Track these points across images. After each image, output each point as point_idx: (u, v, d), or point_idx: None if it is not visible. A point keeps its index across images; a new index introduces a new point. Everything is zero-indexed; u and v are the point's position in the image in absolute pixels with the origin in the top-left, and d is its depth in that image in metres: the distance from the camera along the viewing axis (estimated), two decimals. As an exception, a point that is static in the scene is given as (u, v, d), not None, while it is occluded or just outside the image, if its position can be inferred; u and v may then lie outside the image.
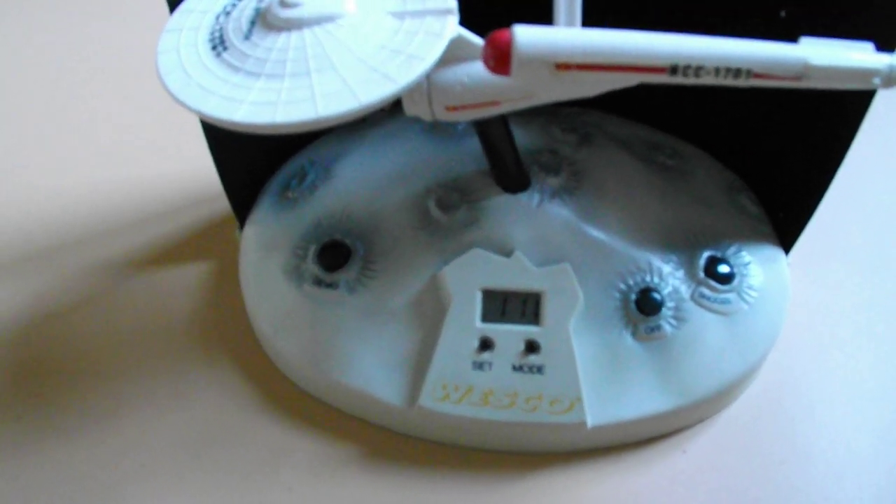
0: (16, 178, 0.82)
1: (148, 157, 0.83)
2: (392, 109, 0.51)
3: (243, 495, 0.58)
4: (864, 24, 0.48)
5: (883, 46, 0.44)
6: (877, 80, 0.43)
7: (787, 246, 0.65)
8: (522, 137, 0.63)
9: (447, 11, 0.48)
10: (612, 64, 0.43)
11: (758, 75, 0.43)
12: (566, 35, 0.44)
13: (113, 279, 0.71)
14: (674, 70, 0.43)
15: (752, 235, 0.64)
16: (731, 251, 0.62)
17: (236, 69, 0.46)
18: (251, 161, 0.68)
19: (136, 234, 0.75)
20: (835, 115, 0.57)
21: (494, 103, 0.50)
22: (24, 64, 0.96)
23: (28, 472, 0.59)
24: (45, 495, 0.58)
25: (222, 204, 0.70)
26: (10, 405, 0.63)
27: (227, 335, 0.67)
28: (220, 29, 0.49)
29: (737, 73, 0.43)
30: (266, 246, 0.64)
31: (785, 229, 0.65)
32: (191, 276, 0.71)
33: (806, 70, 0.43)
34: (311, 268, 0.61)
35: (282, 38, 0.47)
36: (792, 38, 0.44)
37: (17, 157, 0.84)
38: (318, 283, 0.60)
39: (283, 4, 0.47)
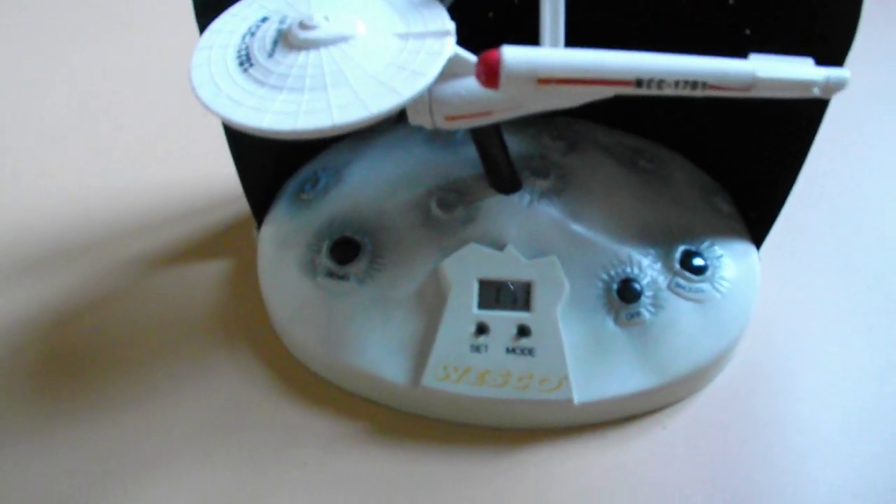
0: (55, 181, 0.84)
1: (174, 163, 0.85)
2: (396, 120, 0.55)
3: (262, 471, 0.60)
4: (805, 42, 0.52)
5: (821, 61, 0.50)
6: (816, 90, 0.49)
7: (758, 242, 0.68)
8: (515, 145, 0.66)
9: (446, 33, 0.53)
10: (586, 78, 0.48)
11: (712, 87, 0.48)
12: (547, 54, 0.49)
13: (140, 274, 0.73)
14: (639, 83, 0.48)
15: (726, 232, 0.67)
16: (705, 245, 0.65)
17: (261, 83, 0.51)
18: (269, 167, 0.72)
19: (162, 233, 0.77)
20: (796, 119, 0.60)
21: (488, 113, 0.55)
22: (59, 76, 0.97)
23: (62, 451, 0.61)
24: (78, 473, 0.60)
25: (240, 206, 0.73)
26: (45, 391, 0.65)
27: (246, 325, 0.69)
28: (247, 47, 0.53)
29: (693, 85, 0.47)
30: (282, 243, 0.67)
31: (756, 226, 0.68)
32: (212, 273, 0.74)
33: (754, 82, 0.48)
34: (325, 262, 0.64)
35: (301, 57, 0.51)
36: (745, 55, 0.50)
37: (53, 161, 0.86)
38: (331, 275, 0.64)
39: (303, 27, 0.52)
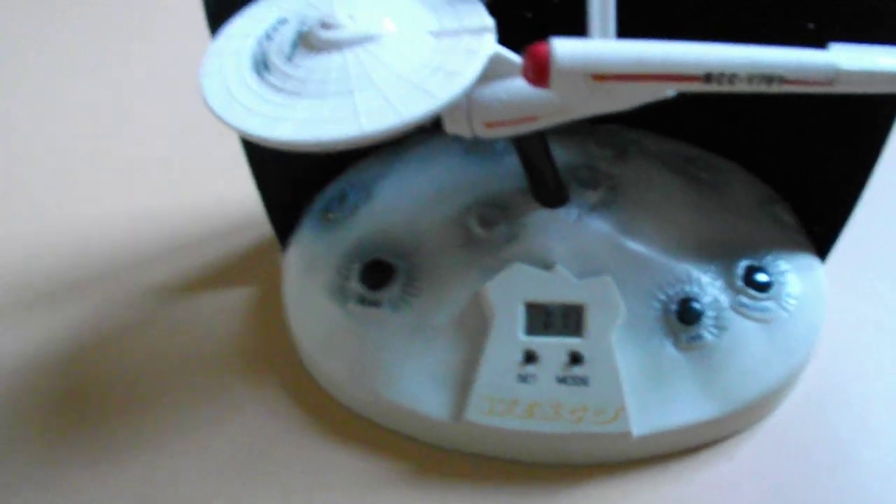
0: (65, 206, 0.82)
1: (190, 185, 0.83)
2: (430, 130, 0.52)
3: None
4: (892, 30, 0.48)
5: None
6: (909, 84, 0.44)
7: (822, 254, 0.65)
8: (560, 154, 0.63)
9: (484, 29, 0.49)
10: (647, 73, 0.44)
11: (789, 81, 0.44)
12: (603, 46, 0.45)
13: (157, 305, 0.72)
14: (708, 78, 0.43)
15: (788, 245, 0.64)
16: (767, 260, 0.62)
17: (279, 89, 0.47)
18: (292, 184, 0.69)
19: (180, 260, 0.75)
20: (865, 123, 0.57)
21: (532, 118, 0.51)
22: (71, 98, 0.97)
23: (80, 494, 0.59)
24: None
25: (262, 230, 0.71)
26: (60, 428, 0.63)
27: (272, 358, 0.67)
28: (263, 52, 0.50)
29: (769, 79, 0.43)
30: (309, 267, 0.65)
31: (820, 238, 0.65)
32: (234, 301, 0.72)
33: (837, 75, 0.44)
34: (355, 287, 0.61)
35: (324, 59, 0.48)
36: (821, 45, 0.45)
37: (65, 185, 0.85)
38: (362, 301, 0.61)
39: (325, 26, 0.48)
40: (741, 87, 0.44)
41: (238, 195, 0.76)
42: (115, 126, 0.92)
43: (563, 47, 0.44)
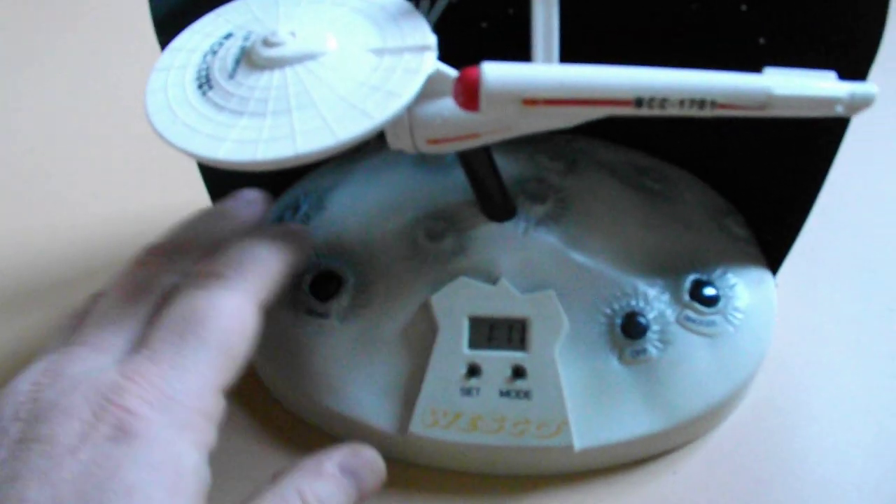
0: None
1: (141, 194, 0.84)
2: (383, 142, 0.52)
3: None
4: (828, 53, 0.49)
5: (845, 75, 0.45)
6: (839, 108, 0.44)
7: (774, 267, 0.65)
8: (509, 166, 0.63)
9: (425, 48, 0.48)
10: (577, 98, 0.44)
11: (722, 106, 0.44)
12: (533, 71, 0.45)
13: None
14: (639, 103, 0.43)
15: (739, 258, 0.64)
16: (716, 274, 0.62)
17: (221, 108, 0.47)
18: None
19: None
20: (815, 135, 0.57)
21: (474, 136, 0.51)
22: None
23: None
24: None
25: None
26: None
27: None
28: (207, 68, 0.49)
29: (701, 104, 0.43)
30: None
31: (772, 251, 0.65)
32: None
33: (769, 100, 0.43)
34: (304, 298, 0.61)
35: (265, 77, 0.47)
36: (759, 68, 0.45)
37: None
38: (311, 312, 0.61)
39: (267, 44, 0.48)
40: (673, 112, 0.44)
41: (190, 201, 0.75)
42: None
43: (493, 72, 0.43)
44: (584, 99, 0.44)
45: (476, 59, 0.46)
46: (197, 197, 0.73)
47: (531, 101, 0.44)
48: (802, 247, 0.63)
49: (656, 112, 0.44)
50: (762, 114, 0.44)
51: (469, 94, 0.44)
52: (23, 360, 0.45)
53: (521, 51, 0.49)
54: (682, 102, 0.43)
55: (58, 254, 0.78)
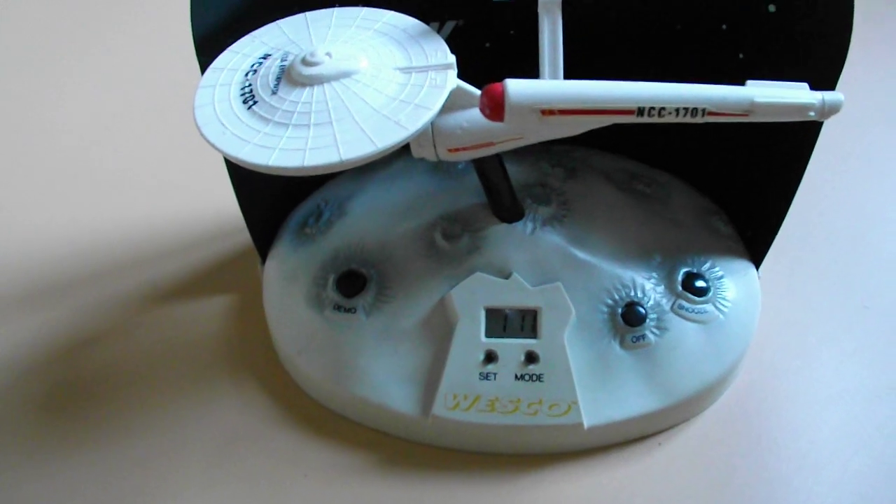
0: (56, 213, 0.84)
1: (176, 195, 0.86)
2: (399, 151, 0.56)
3: (268, 501, 0.61)
4: (797, 66, 0.54)
5: (816, 86, 0.51)
6: (812, 113, 0.50)
7: (757, 261, 0.69)
8: (516, 173, 0.67)
9: (448, 66, 0.54)
10: (587, 108, 0.49)
11: (711, 113, 0.49)
12: (550, 86, 0.50)
13: (144, 307, 0.74)
14: (640, 112, 0.49)
15: (725, 252, 0.68)
16: (705, 267, 0.66)
17: (266, 120, 0.52)
18: (271, 201, 0.72)
19: (165, 265, 0.78)
20: (791, 140, 0.62)
21: (490, 144, 0.56)
22: (61, 108, 0.99)
23: (66, 484, 0.62)
24: (87, 494, 0.62)
25: (243, 238, 0.73)
26: (49, 423, 0.66)
27: (251, 358, 0.70)
28: (250, 85, 0.54)
29: (694, 112, 0.49)
30: (288, 277, 0.68)
31: (755, 246, 0.69)
32: (216, 305, 0.74)
33: (752, 107, 0.49)
34: (331, 295, 0.65)
35: (305, 93, 0.52)
36: (742, 81, 0.51)
37: (55, 193, 0.87)
38: (338, 308, 0.64)
39: (306, 63, 0.53)
40: (670, 119, 0.49)
41: (221, 204, 0.79)
42: (100, 136, 0.95)
43: (516, 87, 0.49)
44: (594, 109, 0.49)
45: (482, 76, 0.52)
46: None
47: (548, 112, 0.49)
48: (783, 247, 0.67)
49: (655, 119, 0.49)
50: (746, 119, 0.50)
51: (495, 106, 0.49)
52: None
53: (522, 68, 0.54)
54: (677, 111, 0.49)
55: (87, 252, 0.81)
